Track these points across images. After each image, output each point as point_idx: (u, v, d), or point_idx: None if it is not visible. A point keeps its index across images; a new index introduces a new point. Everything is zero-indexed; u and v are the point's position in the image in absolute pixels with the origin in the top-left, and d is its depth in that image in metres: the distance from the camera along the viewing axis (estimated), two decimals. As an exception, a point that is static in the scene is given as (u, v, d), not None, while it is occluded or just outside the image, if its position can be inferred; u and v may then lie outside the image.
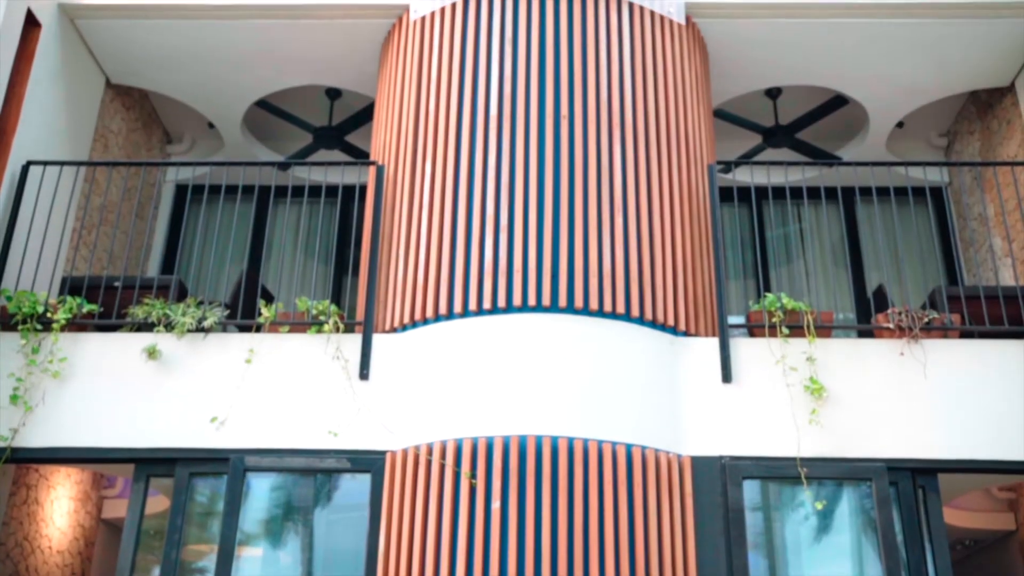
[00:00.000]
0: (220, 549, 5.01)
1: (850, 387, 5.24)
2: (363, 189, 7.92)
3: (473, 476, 4.86)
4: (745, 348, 5.36)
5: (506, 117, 5.74)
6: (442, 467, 4.93)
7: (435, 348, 5.26)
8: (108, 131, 7.43)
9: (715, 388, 5.26)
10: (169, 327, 5.44)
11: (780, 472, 5.07)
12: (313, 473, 5.21)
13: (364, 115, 7.69)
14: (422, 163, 5.85)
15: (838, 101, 7.60)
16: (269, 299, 5.97)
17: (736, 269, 8.19)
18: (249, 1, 6.69)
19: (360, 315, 5.63)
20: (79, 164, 6.30)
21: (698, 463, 5.10)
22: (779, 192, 8.14)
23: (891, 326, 5.37)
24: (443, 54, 6.10)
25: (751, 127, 7.79)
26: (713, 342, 5.39)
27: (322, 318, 5.42)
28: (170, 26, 6.87)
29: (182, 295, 5.86)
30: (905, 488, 5.09)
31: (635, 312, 5.29)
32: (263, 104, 7.77)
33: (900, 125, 8.02)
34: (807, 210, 7.17)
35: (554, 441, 4.89)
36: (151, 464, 5.26)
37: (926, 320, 5.37)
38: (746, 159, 7.76)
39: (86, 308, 5.56)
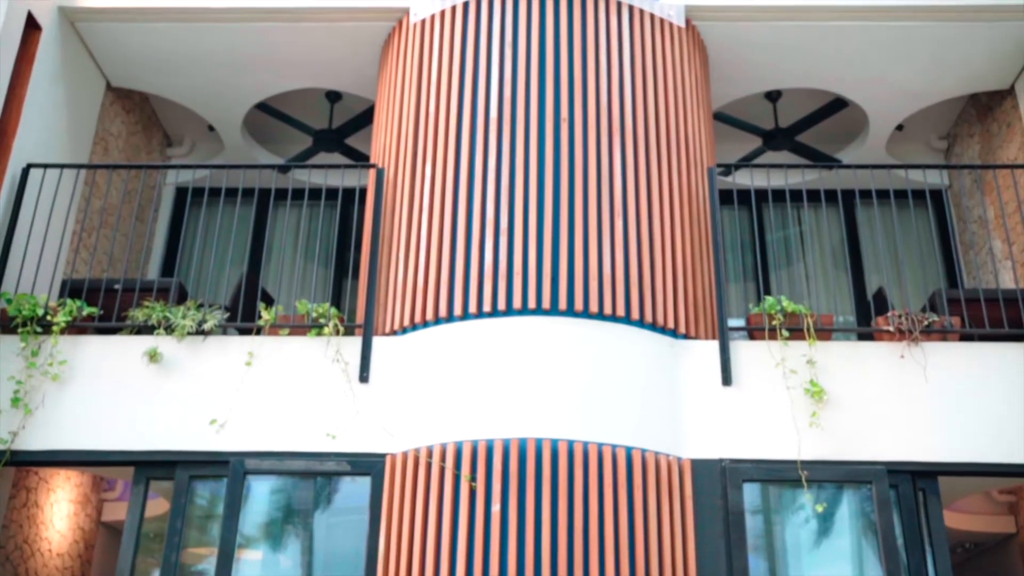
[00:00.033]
0: (220, 552, 5.01)
1: (850, 390, 5.23)
2: (363, 192, 7.92)
3: (473, 479, 4.86)
4: (745, 351, 5.36)
5: (506, 120, 5.75)
6: (442, 470, 4.92)
7: (435, 351, 5.26)
8: (108, 134, 7.43)
9: (715, 391, 5.26)
10: (169, 330, 5.44)
11: (780, 475, 5.07)
12: (313, 476, 5.21)
13: (364, 118, 7.70)
14: (422, 166, 5.85)
15: (838, 104, 7.60)
16: (269, 302, 5.97)
17: (736, 272, 8.19)
18: (249, 4, 6.70)
19: (360, 318, 5.63)
20: (79, 167, 6.30)
21: (698, 466, 5.10)
22: (779, 195, 8.15)
23: (891, 329, 5.37)
24: (443, 57, 6.10)
25: (751, 130, 7.79)
26: (713, 345, 5.39)
27: (322, 321, 5.42)
28: (170, 29, 6.87)
29: (182, 298, 5.86)
30: (905, 491, 5.09)
31: (635, 315, 5.29)
32: (263, 107, 7.78)
33: (900, 128, 8.03)
34: (807, 213, 7.17)
35: (554, 444, 4.89)
36: (151, 467, 5.26)
37: (926, 323, 5.37)
38: (746, 162, 7.76)
39: (86, 311, 5.56)
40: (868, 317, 7.49)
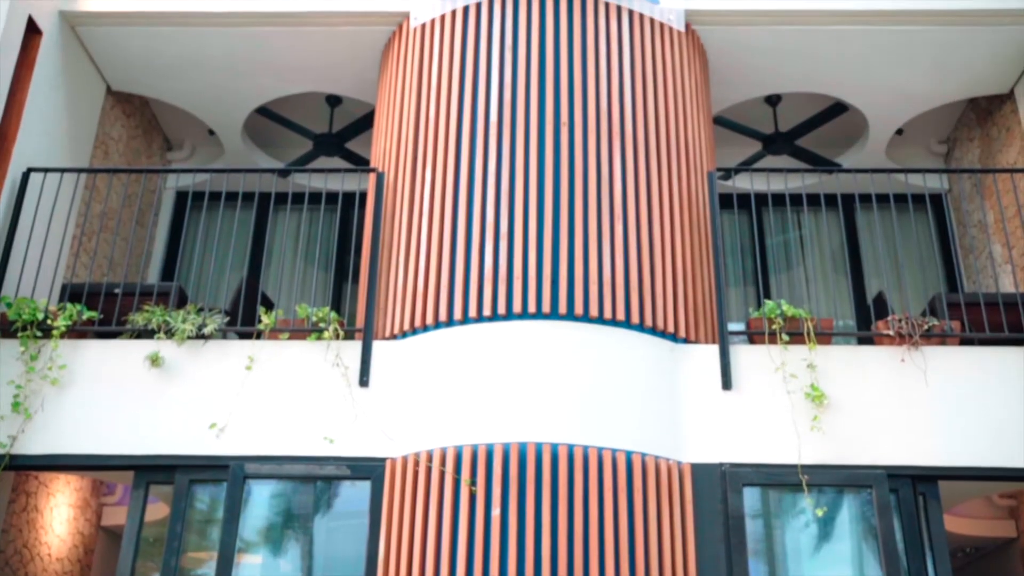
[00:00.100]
0: (220, 556, 5.00)
1: (850, 394, 5.23)
2: (363, 196, 7.92)
3: (473, 483, 4.86)
4: (745, 355, 5.35)
5: (506, 124, 5.75)
6: (442, 474, 4.92)
7: (435, 355, 5.26)
8: (108, 138, 7.43)
9: (715, 395, 5.26)
10: (169, 334, 5.44)
11: (780, 479, 5.07)
12: (313, 480, 5.20)
13: (364, 122, 7.70)
14: (422, 170, 5.85)
15: (838, 108, 7.60)
16: (269, 306, 5.97)
17: (736, 276, 8.19)
18: (250, 8, 6.71)
19: (360, 322, 5.63)
20: (79, 171, 6.31)
21: (698, 470, 5.09)
22: (779, 199, 8.14)
23: (891, 333, 5.37)
24: (443, 61, 6.11)
25: (751, 134, 7.80)
26: (713, 349, 5.39)
27: (322, 325, 5.42)
28: (171, 33, 6.88)
29: (182, 302, 5.86)
30: (906, 495, 5.09)
31: (635, 319, 5.29)
32: (263, 111, 7.79)
33: (900, 132, 8.03)
34: (807, 217, 7.17)
35: (554, 448, 4.88)
36: (151, 471, 5.26)
37: (926, 327, 5.37)
38: (746, 166, 7.76)
39: (86, 315, 5.56)
40: (868, 321, 7.49)
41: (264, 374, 5.33)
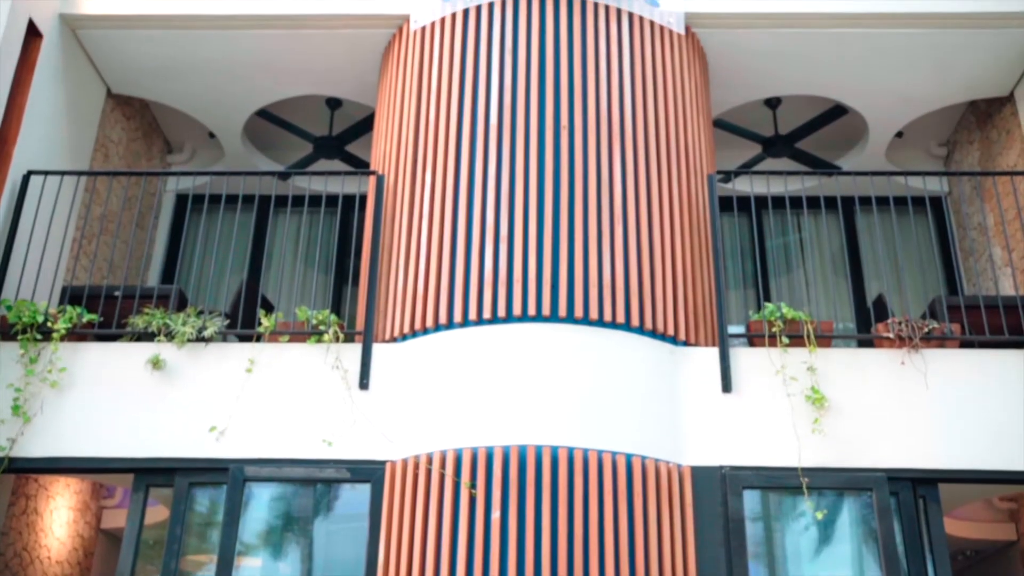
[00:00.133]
0: (219, 559, 5.00)
1: (850, 397, 5.23)
2: (363, 199, 7.92)
3: (473, 486, 4.85)
4: (745, 358, 5.35)
5: (506, 127, 5.75)
6: (442, 477, 4.92)
7: (435, 358, 5.26)
8: (109, 141, 7.44)
9: (715, 398, 5.26)
10: (169, 337, 5.44)
11: (780, 482, 5.06)
12: (313, 483, 5.20)
13: (364, 125, 7.71)
14: (422, 173, 5.85)
15: (837, 111, 7.61)
16: (269, 309, 5.97)
17: (736, 279, 8.19)
18: (250, 11, 6.72)
19: (360, 325, 5.63)
20: (79, 174, 6.31)
21: (698, 473, 5.09)
22: (779, 202, 8.14)
23: (891, 336, 5.37)
24: (443, 64, 6.11)
25: (751, 137, 7.80)
26: (713, 352, 5.39)
27: (322, 328, 5.42)
28: (171, 36, 6.88)
29: (182, 305, 5.86)
30: (906, 498, 5.09)
31: (635, 322, 5.29)
32: (263, 114, 7.79)
33: (899, 135, 8.04)
34: (807, 220, 7.17)
35: (554, 451, 4.88)
36: (150, 474, 5.25)
37: (926, 330, 5.37)
38: (746, 169, 7.76)
39: (86, 318, 5.56)
40: (868, 324, 7.49)
41: (264, 377, 5.33)
